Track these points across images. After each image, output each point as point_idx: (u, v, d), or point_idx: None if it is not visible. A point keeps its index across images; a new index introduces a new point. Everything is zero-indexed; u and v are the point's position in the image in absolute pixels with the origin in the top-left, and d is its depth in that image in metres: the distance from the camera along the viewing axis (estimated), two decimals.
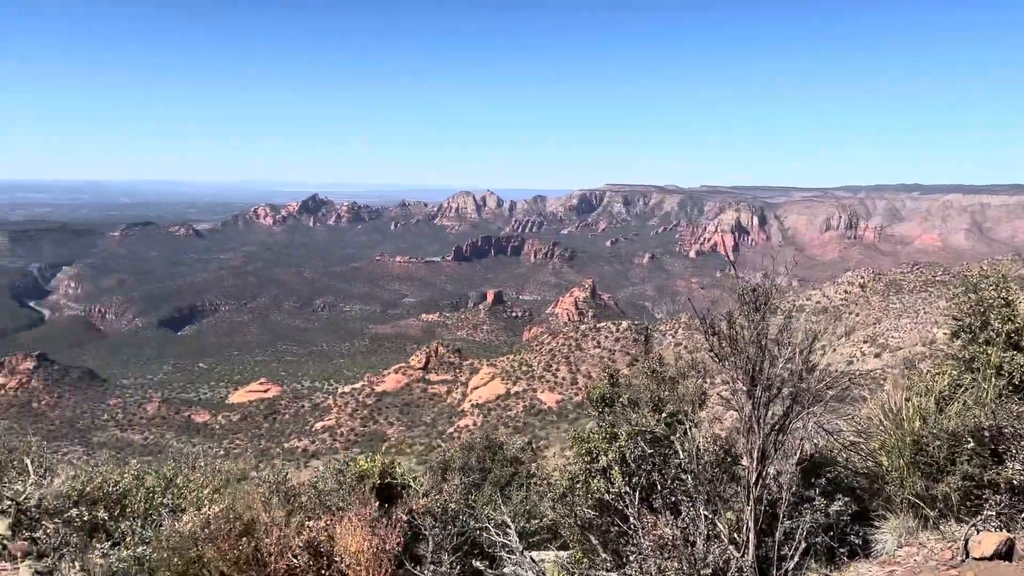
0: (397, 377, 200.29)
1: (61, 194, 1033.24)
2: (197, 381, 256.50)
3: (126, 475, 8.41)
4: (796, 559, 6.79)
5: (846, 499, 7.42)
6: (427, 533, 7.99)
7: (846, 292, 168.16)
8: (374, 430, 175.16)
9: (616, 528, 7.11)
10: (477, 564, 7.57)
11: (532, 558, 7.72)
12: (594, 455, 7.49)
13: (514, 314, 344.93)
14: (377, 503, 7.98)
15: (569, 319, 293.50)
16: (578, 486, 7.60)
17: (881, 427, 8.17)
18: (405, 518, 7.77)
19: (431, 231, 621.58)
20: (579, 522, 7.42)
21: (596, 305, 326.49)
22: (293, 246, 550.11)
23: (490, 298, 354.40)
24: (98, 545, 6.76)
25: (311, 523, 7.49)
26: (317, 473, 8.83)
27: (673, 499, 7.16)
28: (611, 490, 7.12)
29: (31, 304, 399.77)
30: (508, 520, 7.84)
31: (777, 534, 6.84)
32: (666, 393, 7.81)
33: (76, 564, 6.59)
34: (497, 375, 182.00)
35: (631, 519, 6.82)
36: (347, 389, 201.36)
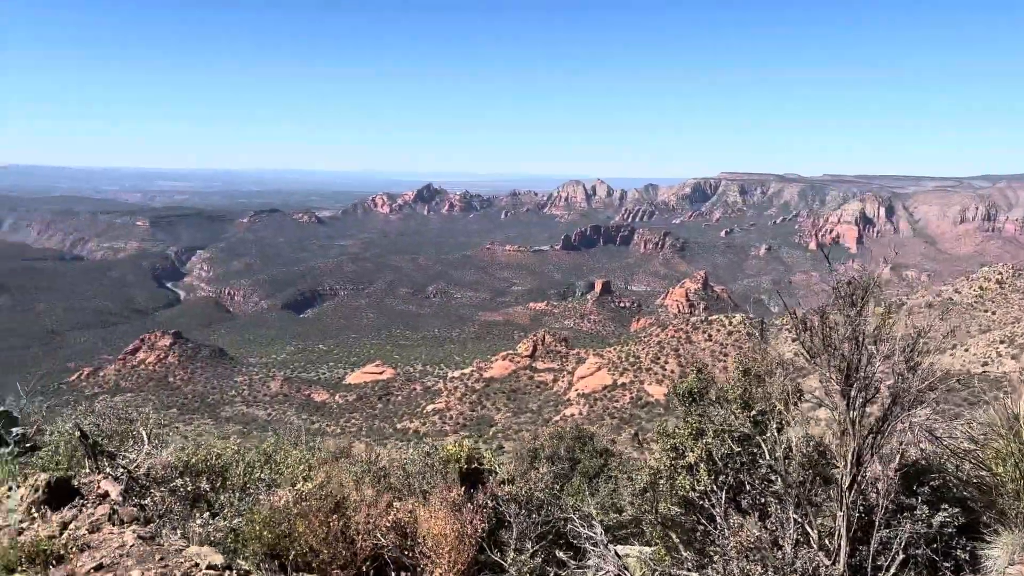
0: (504, 364, 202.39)
1: (197, 182, 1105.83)
2: (317, 361, 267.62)
3: (227, 449, 8.92)
4: (892, 570, 6.39)
5: (953, 510, 6.90)
6: (511, 520, 8.06)
7: (981, 288, 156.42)
8: (482, 415, 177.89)
9: (701, 527, 6.91)
10: (561, 555, 7.55)
11: (616, 552, 7.63)
12: (680, 451, 7.31)
13: (622, 305, 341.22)
14: (463, 487, 8.13)
15: (679, 311, 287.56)
16: (661, 482, 7.43)
17: (998, 434, 7.57)
18: (490, 504, 7.88)
19: (540, 220, 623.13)
20: (660, 519, 7.25)
21: (708, 297, 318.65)
22: (408, 234, 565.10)
23: (598, 288, 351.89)
24: (198, 514, 7.20)
25: (399, 503, 7.71)
26: (407, 455, 9.05)
27: (762, 501, 6.88)
28: (697, 488, 6.92)
29: (168, 285, 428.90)
30: (594, 512, 7.78)
31: (872, 543, 6.45)
32: (757, 390, 7.50)
33: (178, 531, 7.03)
34: (603, 365, 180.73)
35: (717, 519, 6.62)
36: (457, 374, 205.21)
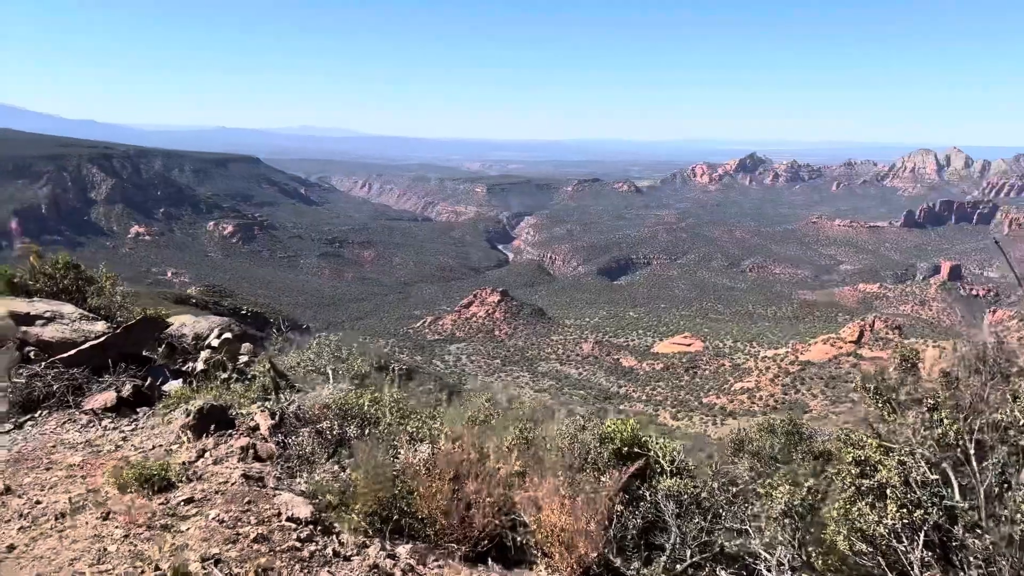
0: (824, 348, 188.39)
1: (527, 152, 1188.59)
2: (627, 328, 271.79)
3: (385, 396, 8.75)
4: None
5: None
6: (670, 520, 6.73)
7: None
8: (795, 399, 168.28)
9: None
10: (722, 574, 6.10)
11: None
12: (867, 467, 5.38)
13: (974, 293, 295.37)
14: (617, 474, 7.00)
15: None
16: (834, 508, 5.53)
17: None
18: (648, 498, 6.65)
19: (879, 193, 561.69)
20: (805, 555, 5.42)
21: None
22: (726, 204, 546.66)
23: (944, 271, 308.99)
24: (324, 462, 7.05)
25: (537, 479, 6.85)
26: (561, 427, 8.08)
27: (970, 557, 4.75)
28: (885, 522, 4.98)
29: (499, 247, 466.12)
30: (777, 528, 6.11)
31: None
32: (994, 396, 5.19)
33: (303, 474, 6.98)
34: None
35: (913, 570, 4.67)
36: (770, 353, 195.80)
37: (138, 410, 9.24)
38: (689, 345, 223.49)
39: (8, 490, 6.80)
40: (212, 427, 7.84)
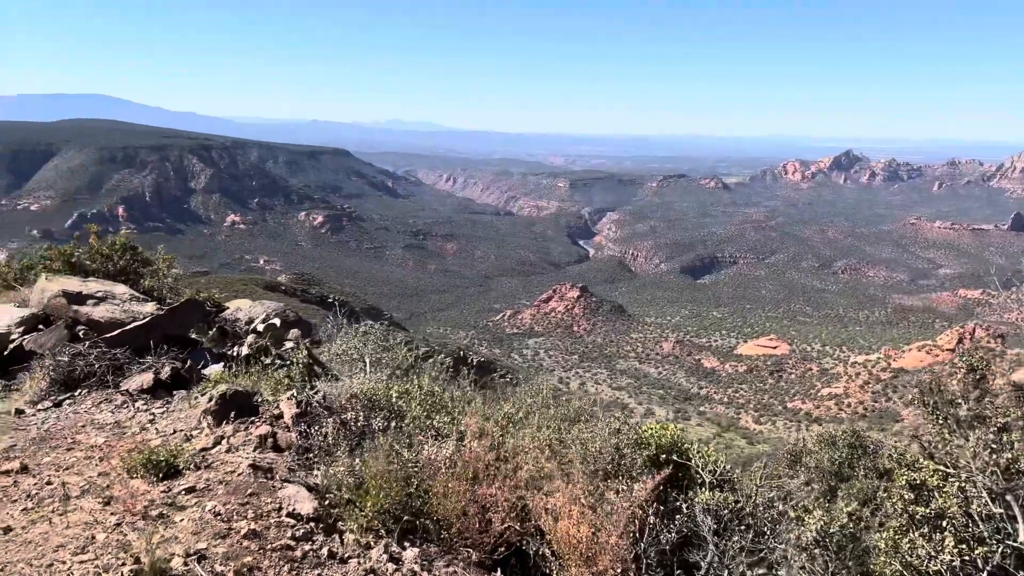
0: (919, 355, 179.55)
1: (611, 147, 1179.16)
2: (709, 328, 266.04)
3: (416, 387, 8.40)
4: None
5: None
6: (707, 536, 6.09)
7: None
8: (886, 407, 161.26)
9: None
10: None
11: None
12: (924, 493, 4.65)
13: None
14: (650, 483, 6.41)
15: None
16: (880, 535, 4.81)
17: None
18: (684, 509, 6.08)
19: (985, 194, 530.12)
20: None
21: None
22: (818, 203, 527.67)
23: None
24: (344, 455, 6.73)
25: (565, 486, 6.35)
26: (593, 430, 7.45)
27: None
28: (940, 557, 4.25)
29: (580, 242, 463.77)
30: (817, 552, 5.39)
31: None
32: None
33: (321, 467, 6.70)
34: None
35: None
36: (860, 359, 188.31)
37: (173, 393, 9.28)
38: (775, 348, 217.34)
39: (25, 469, 6.82)
40: (233, 414, 7.71)
